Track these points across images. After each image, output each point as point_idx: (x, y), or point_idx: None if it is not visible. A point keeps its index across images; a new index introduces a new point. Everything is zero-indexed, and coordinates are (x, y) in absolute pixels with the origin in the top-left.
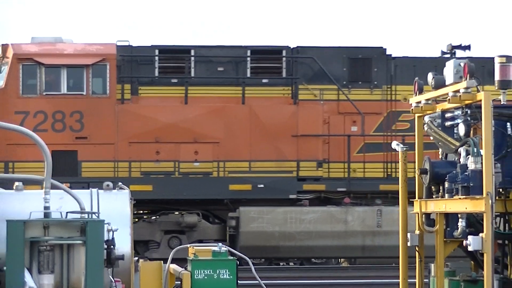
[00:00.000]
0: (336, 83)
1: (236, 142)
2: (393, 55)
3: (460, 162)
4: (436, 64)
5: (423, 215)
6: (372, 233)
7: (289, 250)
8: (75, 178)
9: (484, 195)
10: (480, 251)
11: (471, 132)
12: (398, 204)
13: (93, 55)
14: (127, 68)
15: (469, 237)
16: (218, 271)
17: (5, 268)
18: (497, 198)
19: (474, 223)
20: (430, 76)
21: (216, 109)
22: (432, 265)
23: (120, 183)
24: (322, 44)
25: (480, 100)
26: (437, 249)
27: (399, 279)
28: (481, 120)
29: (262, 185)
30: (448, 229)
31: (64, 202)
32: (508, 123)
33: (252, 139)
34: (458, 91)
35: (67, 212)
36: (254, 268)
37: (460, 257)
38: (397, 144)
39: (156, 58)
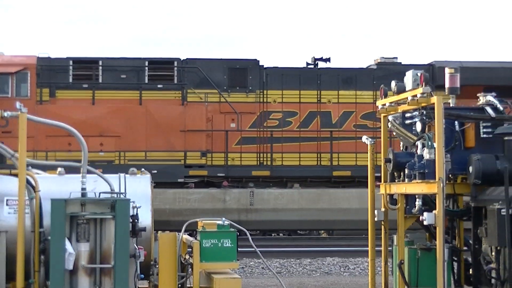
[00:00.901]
0: (217, 88)
1: (134, 136)
2: (265, 66)
3: (417, 153)
4: (300, 73)
5: (388, 196)
6: (245, 210)
7: (178, 224)
8: (1, 165)
9: (437, 179)
10: (433, 225)
11: (426, 128)
12: (269, 187)
13: (17, 64)
14: (45, 75)
15: (425, 213)
16: (222, 241)
17: (49, 237)
18: (447, 182)
19: (429, 202)
20: (393, 83)
21: (118, 109)
22: (395, 236)
23: (143, 169)
24: (207, 56)
25: (434, 103)
26: (399, 223)
27: (368, 247)
28: (434, 119)
29: (155, 171)
30: (407, 207)
31: (97, 184)
32: (456, 122)
33: (147, 133)
34: (416, 95)
35: (100, 193)
36: (251, 238)
37: (417, 229)
38: (367, 138)
39: (70, 67)
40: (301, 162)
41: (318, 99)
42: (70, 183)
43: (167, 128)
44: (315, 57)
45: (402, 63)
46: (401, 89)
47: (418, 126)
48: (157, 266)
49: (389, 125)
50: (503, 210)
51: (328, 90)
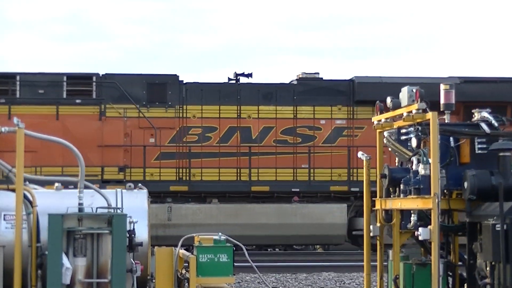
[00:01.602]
0: (135, 104)
1: (51, 151)
2: (184, 81)
3: (412, 168)
4: (220, 88)
5: (383, 211)
6: (163, 225)
7: None
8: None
9: (432, 195)
10: (428, 240)
11: (422, 144)
12: (188, 202)
13: None
14: None
15: (420, 228)
16: (218, 255)
17: (47, 252)
18: (442, 197)
19: (424, 217)
20: (388, 99)
21: (34, 124)
22: (390, 251)
23: (139, 184)
24: (126, 72)
25: (429, 119)
26: (394, 238)
27: (363, 262)
28: (429, 135)
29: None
30: (402, 222)
31: (94, 199)
32: (451, 138)
33: (64, 148)
34: (411, 111)
35: (97, 208)
36: (247, 253)
37: (412, 245)
38: (362, 154)
39: None
40: (220, 177)
41: (238, 114)
42: (67, 198)
43: (84, 143)
44: (237, 73)
45: (324, 78)
46: (397, 105)
47: (414, 142)
48: (154, 281)
49: (385, 141)
50: (497, 226)
51: (248, 105)
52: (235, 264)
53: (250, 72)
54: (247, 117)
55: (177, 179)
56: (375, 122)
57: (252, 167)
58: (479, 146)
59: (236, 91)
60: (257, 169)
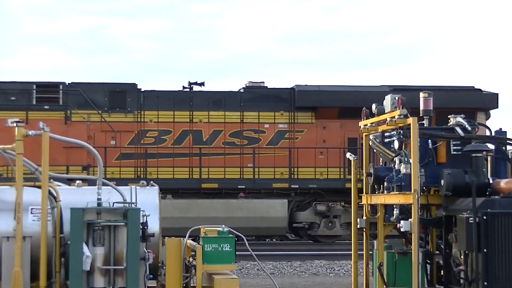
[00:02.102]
0: (98, 109)
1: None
2: (142, 89)
3: (395, 168)
4: (175, 96)
5: (369, 206)
6: None
7: None
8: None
9: (412, 191)
10: (409, 232)
11: (403, 146)
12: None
13: None
14: None
15: (402, 221)
16: (221, 245)
17: (69, 242)
18: (421, 193)
19: (405, 211)
20: (374, 106)
21: (4, 128)
22: (375, 241)
23: (151, 182)
24: (90, 80)
25: (410, 124)
26: (378, 230)
27: (351, 251)
28: (410, 138)
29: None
30: (386, 215)
31: (111, 195)
32: (429, 140)
33: (32, 149)
34: (394, 117)
35: (113, 202)
36: (247, 243)
37: (395, 236)
38: (350, 155)
39: None
40: (174, 176)
41: (191, 119)
42: (87, 194)
43: (51, 145)
44: (190, 81)
45: (268, 86)
46: (381, 111)
47: (396, 144)
48: (164, 268)
49: (370, 143)
50: (471, 219)
51: (199, 111)
52: (236, 253)
53: (202, 81)
54: (199, 122)
55: (135, 177)
56: (362, 126)
57: (202, 166)
58: (454, 148)
59: (189, 98)
60: (207, 168)
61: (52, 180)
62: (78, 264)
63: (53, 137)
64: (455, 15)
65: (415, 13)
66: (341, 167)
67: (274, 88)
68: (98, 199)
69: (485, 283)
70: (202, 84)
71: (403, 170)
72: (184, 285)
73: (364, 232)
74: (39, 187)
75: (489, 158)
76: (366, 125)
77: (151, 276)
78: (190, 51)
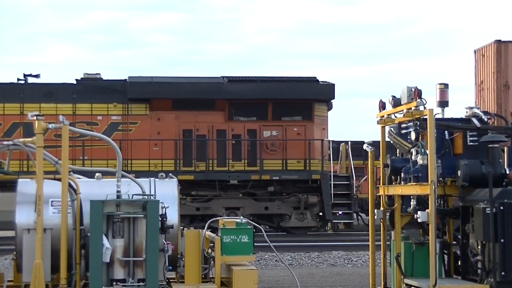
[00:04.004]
0: None
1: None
2: None
3: (412, 159)
4: (4, 88)
5: (386, 197)
6: None
7: None
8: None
9: (429, 182)
10: (426, 222)
11: (420, 137)
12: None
13: None
14: None
15: (419, 212)
16: (240, 236)
17: (89, 234)
18: (438, 184)
19: (422, 202)
20: (390, 97)
21: None
22: (392, 232)
23: (170, 174)
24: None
25: (426, 115)
26: (396, 221)
27: (369, 242)
28: (426, 129)
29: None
30: (403, 206)
31: (131, 187)
32: (446, 131)
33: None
34: (410, 108)
35: (133, 195)
36: (266, 234)
37: (412, 226)
38: (367, 146)
39: None
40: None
41: (21, 111)
42: (106, 186)
43: None
44: (25, 73)
45: (104, 78)
46: (397, 103)
47: (413, 135)
48: (183, 259)
49: (387, 135)
50: (487, 209)
51: (30, 103)
52: (255, 244)
53: (38, 73)
54: None
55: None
56: (378, 118)
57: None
58: (471, 138)
59: (20, 90)
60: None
61: (72, 172)
62: (98, 256)
63: (73, 130)
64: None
65: (433, 6)
66: (177, 159)
67: (108, 80)
68: (118, 191)
69: (502, 273)
70: (37, 76)
71: (420, 161)
72: (203, 276)
73: (381, 223)
74: (59, 179)
75: (505, 149)
76: (383, 116)
77: (170, 267)
78: (207, 44)
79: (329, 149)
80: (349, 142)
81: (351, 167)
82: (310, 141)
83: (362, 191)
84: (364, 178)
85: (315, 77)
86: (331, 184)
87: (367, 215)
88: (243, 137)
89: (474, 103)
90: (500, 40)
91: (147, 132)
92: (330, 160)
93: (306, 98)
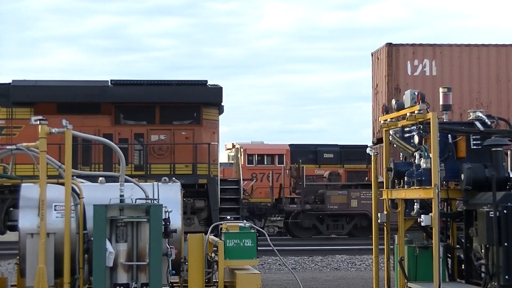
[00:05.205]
0: None
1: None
2: None
3: (415, 162)
4: None
5: (389, 200)
6: None
7: None
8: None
9: (432, 186)
10: (430, 226)
11: (423, 141)
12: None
13: None
14: None
15: (422, 216)
16: (243, 241)
17: (92, 238)
18: (441, 188)
19: (425, 206)
20: (393, 101)
21: None
22: (396, 235)
23: (173, 178)
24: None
25: (429, 119)
26: (399, 224)
27: (372, 246)
28: (430, 132)
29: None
30: (407, 210)
31: (134, 192)
32: (449, 135)
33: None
34: (413, 112)
35: (136, 199)
36: (269, 238)
37: (415, 230)
38: (370, 150)
39: None
40: None
41: None
42: (110, 190)
43: None
44: None
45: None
46: (401, 107)
47: (416, 139)
48: (186, 263)
49: (390, 138)
50: (491, 213)
51: None
52: (258, 248)
53: None
54: None
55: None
56: (382, 122)
57: None
58: (474, 142)
59: None
60: None
61: (75, 177)
62: (101, 260)
63: (76, 134)
64: None
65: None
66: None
67: None
68: (121, 195)
69: (506, 277)
70: None
71: (423, 165)
72: (206, 280)
73: (385, 227)
74: (62, 184)
75: (508, 152)
76: (386, 120)
77: (173, 271)
78: (209, 48)
79: (218, 153)
80: (240, 147)
81: (240, 172)
82: (196, 145)
83: (253, 196)
84: (254, 181)
85: (205, 81)
86: (218, 188)
87: (259, 219)
88: (130, 141)
89: (371, 107)
90: (391, 43)
91: (31, 136)
92: (218, 164)
93: (193, 101)
